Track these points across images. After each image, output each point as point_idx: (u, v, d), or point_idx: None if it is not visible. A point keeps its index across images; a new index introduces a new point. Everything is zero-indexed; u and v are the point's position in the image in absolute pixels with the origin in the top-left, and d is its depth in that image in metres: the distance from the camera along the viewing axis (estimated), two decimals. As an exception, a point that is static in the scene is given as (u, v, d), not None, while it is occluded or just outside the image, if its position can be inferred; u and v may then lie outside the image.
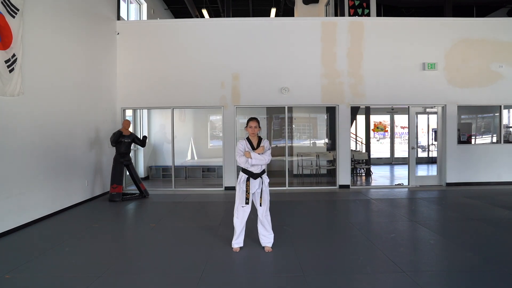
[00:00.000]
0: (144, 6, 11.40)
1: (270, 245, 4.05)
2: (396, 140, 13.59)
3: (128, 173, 7.49)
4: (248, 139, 4.09)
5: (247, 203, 3.96)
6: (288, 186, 8.45)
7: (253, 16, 14.82)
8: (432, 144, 12.78)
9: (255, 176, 3.98)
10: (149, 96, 8.29)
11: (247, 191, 3.95)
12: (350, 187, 8.35)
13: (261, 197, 4.00)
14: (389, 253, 3.89)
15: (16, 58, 4.84)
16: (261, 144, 4.06)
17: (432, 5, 10.92)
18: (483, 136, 9.57)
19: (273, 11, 13.34)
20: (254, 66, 8.22)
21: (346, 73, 8.24)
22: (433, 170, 10.07)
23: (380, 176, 10.42)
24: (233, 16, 13.74)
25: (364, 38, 8.25)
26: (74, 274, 3.46)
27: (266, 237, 4.05)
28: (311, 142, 10.99)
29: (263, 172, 4.04)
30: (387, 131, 13.68)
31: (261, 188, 4.01)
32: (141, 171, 10.05)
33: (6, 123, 4.72)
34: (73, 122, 6.41)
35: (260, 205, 4.00)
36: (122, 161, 7.05)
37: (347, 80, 8.23)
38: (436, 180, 8.64)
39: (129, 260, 3.87)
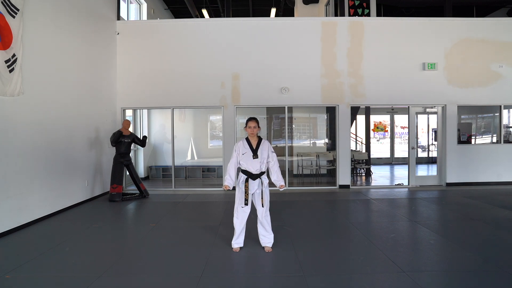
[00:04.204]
0: (144, 6, 11.40)
1: (270, 245, 4.05)
2: (396, 140, 13.59)
3: (128, 173, 7.49)
4: (247, 139, 4.08)
5: (246, 204, 3.96)
6: (288, 186, 8.46)
7: (253, 16, 14.82)
8: (432, 144, 12.79)
9: (254, 177, 3.98)
10: (149, 96, 8.29)
11: (246, 192, 3.95)
12: (350, 187, 8.35)
13: (262, 198, 4.00)
14: (389, 253, 3.90)
15: (16, 58, 4.84)
16: (261, 145, 4.03)
17: (432, 5, 10.92)
18: (483, 136, 9.57)
19: (273, 11, 13.33)
20: (254, 66, 8.23)
21: (346, 73, 8.24)
22: (433, 170, 10.08)
23: (380, 176, 10.42)
24: (233, 16, 13.76)
25: (364, 38, 8.25)
26: (74, 274, 3.46)
27: (266, 237, 4.05)
28: (311, 142, 10.99)
29: (262, 173, 4.03)
30: (387, 131, 13.68)
31: (261, 189, 4.01)
32: (141, 171, 10.05)
33: (6, 123, 4.72)
34: (73, 122, 6.41)
35: (262, 206, 4.00)
36: (122, 161, 7.05)
37: (347, 80, 8.23)
38: (436, 180, 8.64)
39: (129, 260, 3.87)
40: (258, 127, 4.07)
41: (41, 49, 5.52)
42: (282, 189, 4.09)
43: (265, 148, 4.04)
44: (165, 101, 8.33)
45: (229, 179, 4.01)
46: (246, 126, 4.07)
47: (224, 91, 8.23)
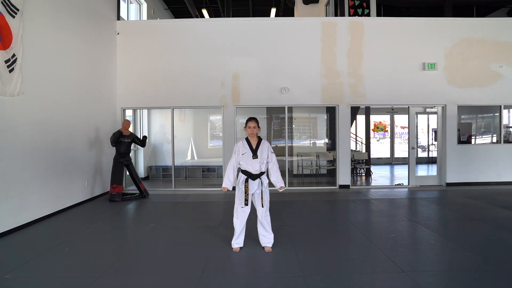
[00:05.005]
0: (144, 6, 11.40)
1: (270, 245, 4.05)
2: (396, 140, 13.59)
3: (128, 173, 7.49)
4: (247, 139, 4.08)
5: (246, 204, 3.96)
6: (288, 186, 8.45)
7: (253, 16, 14.82)
8: (432, 144, 12.79)
9: (254, 177, 3.97)
10: (149, 96, 8.29)
11: (246, 192, 3.95)
12: (350, 187, 8.35)
13: (262, 198, 4.00)
14: (389, 253, 3.90)
15: (16, 58, 4.84)
16: (261, 145, 4.02)
17: (432, 5, 10.92)
18: (483, 136, 9.57)
19: (273, 11, 13.34)
20: (254, 66, 8.23)
21: (346, 73, 8.24)
22: (433, 170, 10.08)
23: (380, 176, 10.41)
24: (233, 16, 13.76)
25: (364, 38, 8.25)
26: (74, 274, 3.46)
27: (266, 237, 4.05)
28: (311, 142, 11.00)
29: (262, 173, 4.02)
30: (387, 131, 13.68)
31: (261, 189, 4.01)
32: (141, 171, 10.05)
33: (6, 123, 4.72)
34: (73, 122, 6.41)
35: (262, 206, 3.99)
36: (122, 161, 7.05)
37: (347, 80, 8.23)
38: (436, 180, 8.64)
39: (129, 260, 3.87)
40: (258, 127, 4.07)
41: (41, 49, 5.52)
42: (282, 190, 4.10)
43: (265, 149, 4.04)
44: (165, 101, 8.33)
45: (227, 180, 4.02)
46: (246, 126, 4.06)
47: (224, 91, 8.23)
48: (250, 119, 4.05)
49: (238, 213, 4.02)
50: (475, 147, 8.67)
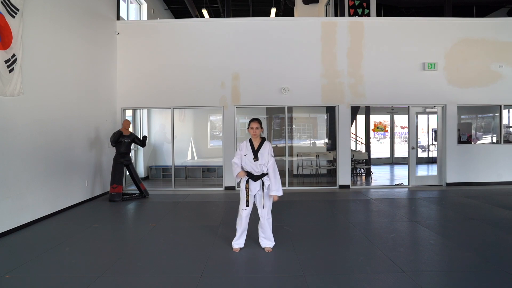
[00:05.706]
0: (144, 6, 11.40)
1: (270, 246, 4.04)
2: (396, 140, 13.59)
3: (128, 173, 7.49)
4: (250, 140, 4.06)
5: (247, 205, 3.95)
6: (288, 186, 8.46)
7: (253, 16, 14.83)
8: (432, 144, 12.79)
9: (255, 178, 3.96)
10: (149, 96, 8.29)
11: (247, 193, 3.94)
12: (350, 187, 8.35)
13: (263, 199, 3.98)
14: (389, 253, 3.90)
15: (16, 58, 4.84)
16: (262, 147, 3.98)
17: (432, 5, 10.92)
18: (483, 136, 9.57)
19: (273, 11, 13.34)
20: (254, 66, 8.22)
21: (346, 73, 8.24)
22: (433, 170, 10.08)
23: (380, 176, 10.41)
24: (233, 16, 13.76)
25: (364, 38, 8.25)
26: (74, 274, 3.46)
27: (266, 239, 4.05)
28: (311, 142, 11.00)
29: (263, 174, 3.99)
30: (387, 131, 13.67)
31: (263, 190, 3.99)
32: (141, 171, 10.05)
33: (6, 123, 4.72)
34: (73, 122, 6.41)
35: (264, 208, 3.98)
36: (122, 161, 7.05)
37: (347, 80, 8.24)
38: (436, 180, 8.64)
39: (129, 260, 3.87)
40: (261, 128, 4.03)
41: (41, 49, 5.52)
42: (276, 200, 3.98)
43: (266, 151, 3.98)
44: (165, 101, 8.32)
45: (238, 168, 3.96)
46: (248, 127, 4.04)
47: (224, 91, 8.23)
48: (253, 120, 4.02)
49: (240, 214, 4.01)
50: (475, 147, 8.67)
